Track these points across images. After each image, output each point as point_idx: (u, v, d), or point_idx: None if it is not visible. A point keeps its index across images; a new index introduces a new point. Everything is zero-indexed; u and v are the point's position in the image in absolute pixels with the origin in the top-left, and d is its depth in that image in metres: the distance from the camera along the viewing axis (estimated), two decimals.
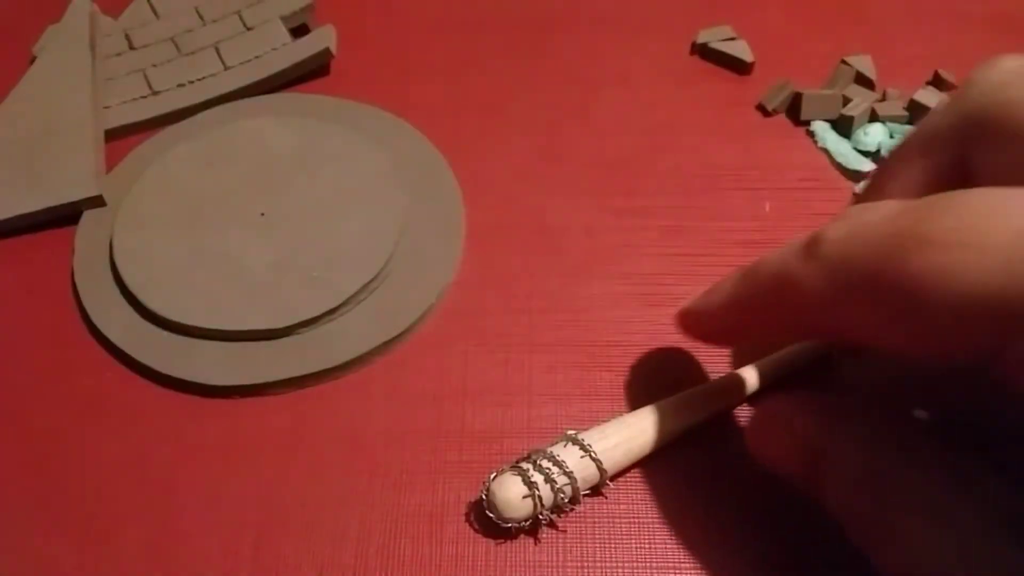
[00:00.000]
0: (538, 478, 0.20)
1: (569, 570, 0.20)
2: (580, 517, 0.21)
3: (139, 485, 0.22)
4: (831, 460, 0.17)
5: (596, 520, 0.21)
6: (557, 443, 0.21)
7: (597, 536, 0.21)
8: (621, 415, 0.21)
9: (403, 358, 0.24)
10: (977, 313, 0.13)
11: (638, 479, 0.22)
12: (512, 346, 0.24)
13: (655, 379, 0.23)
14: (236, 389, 0.24)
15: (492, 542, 0.21)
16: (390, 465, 0.22)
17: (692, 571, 0.20)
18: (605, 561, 0.20)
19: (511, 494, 0.20)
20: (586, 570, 0.20)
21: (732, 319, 0.19)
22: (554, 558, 0.20)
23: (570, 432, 0.21)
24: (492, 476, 0.20)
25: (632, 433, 0.21)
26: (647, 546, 0.21)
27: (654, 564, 0.20)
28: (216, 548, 0.21)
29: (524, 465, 0.20)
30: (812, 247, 0.15)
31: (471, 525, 0.21)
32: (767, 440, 0.19)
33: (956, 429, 0.17)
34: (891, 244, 0.14)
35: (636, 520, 0.21)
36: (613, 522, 0.21)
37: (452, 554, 0.21)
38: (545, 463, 0.20)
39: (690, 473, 0.22)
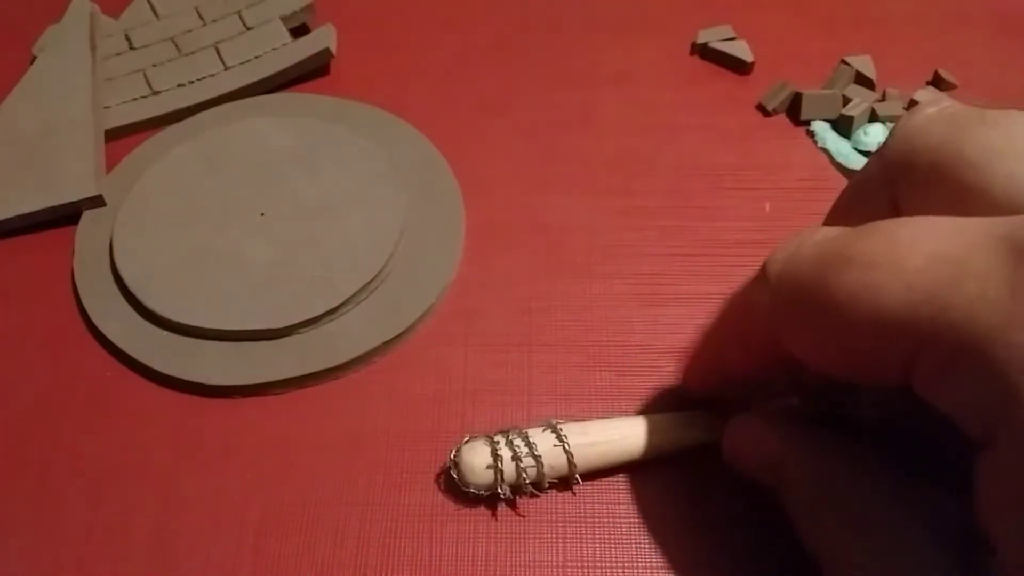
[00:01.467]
0: (506, 453, 0.20)
1: (569, 570, 0.20)
2: (581, 517, 0.21)
3: (139, 485, 0.22)
4: (788, 476, 0.18)
5: (596, 520, 0.21)
6: (536, 427, 0.21)
7: (597, 536, 0.21)
8: (614, 416, 0.22)
9: (403, 358, 0.24)
10: (892, 330, 0.14)
11: (638, 479, 0.22)
12: (512, 346, 0.24)
13: (655, 380, 0.24)
14: (236, 389, 0.24)
15: (492, 542, 0.21)
16: (390, 465, 0.22)
17: (692, 571, 0.20)
18: (605, 561, 0.20)
19: (476, 460, 0.20)
20: (586, 570, 0.20)
21: (715, 355, 0.20)
22: (554, 558, 0.20)
23: (553, 420, 0.21)
24: (465, 440, 0.21)
25: (612, 436, 0.21)
26: (647, 546, 0.21)
27: (654, 564, 0.20)
28: (216, 548, 0.21)
29: (498, 438, 0.21)
30: (763, 270, 0.16)
31: (438, 485, 0.22)
32: (740, 451, 0.20)
33: (907, 439, 0.18)
34: (820, 263, 0.15)
35: (636, 520, 0.21)
36: (613, 522, 0.21)
37: (452, 554, 0.21)
38: (518, 442, 0.20)
39: (690, 473, 0.22)
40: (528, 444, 0.20)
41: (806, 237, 0.16)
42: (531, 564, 0.20)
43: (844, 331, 0.14)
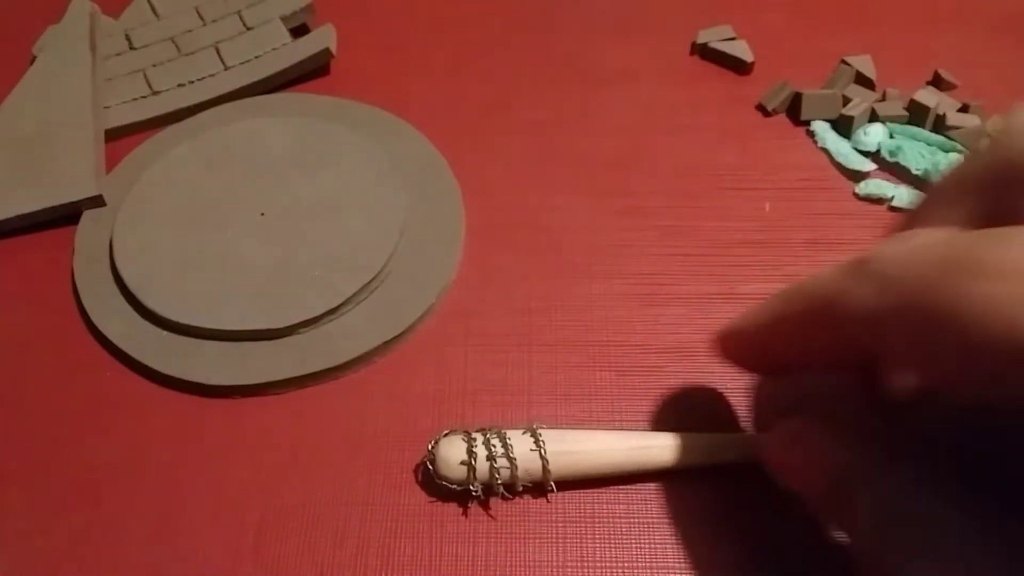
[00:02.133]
0: (481, 452, 0.20)
1: (569, 570, 0.20)
2: (580, 517, 0.21)
3: (140, 485, 0.22)
4: (858, 492, 0.17)
5: (596, 520, 0.21)
6: (517, 429, 0.21)
7: (597, 536, 0.21)
8: (600, 429, 0.22)
9: (403, 358, 0.24)
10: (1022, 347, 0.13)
11: (638, 479, 0.22)
12: (512, 346, 0.24)
13: (656, 381, 0.24)
14: (236, 389, 0.24)
15: (492, 542, 0.21)
16: (390, 465, 0.22)
17: (691, 570, 0.20)
18: (605, 561, 0.20)
19: (450, 454, 0.20)
20: (586, 570, 0.20)
21: (774, 339, 0.19)
22: (554, 558, 0.20)
23: (535, 424, 0.21)
24: (444, 433, 0.21)
25: (591, 447, 0.21)
26: (647, 546, 0.21)
27: (654, 564, 0.20)
28: (217, 547, 0.21)
29: (476, 435, 0.21)
30: (863, 264, 0.16)
31: (415, 475, 0.22)
32: (790, 459, 0.19)
33: (970, 457, 0.17)
34: (945, 266, 0.14)
35: (636, 520, 0.21)
36: (613, 522, 0.21)
37: (452, 554, 0.21)
38: (495, 441, 0.21)
39: (689, 474, 0.22)
40: (505, 445, 0.20)
41: (918, 238, 0.15)
42: (531, 564, 0.20)
43: (970, 344, 0.13)
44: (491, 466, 0.20)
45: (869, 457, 0.17)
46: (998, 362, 0.13)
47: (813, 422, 0.18)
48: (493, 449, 0.20)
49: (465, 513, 0.21)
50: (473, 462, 0.20)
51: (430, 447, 0.21)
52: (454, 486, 0.21)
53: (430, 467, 0.21)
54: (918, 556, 0.15)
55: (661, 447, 0.21)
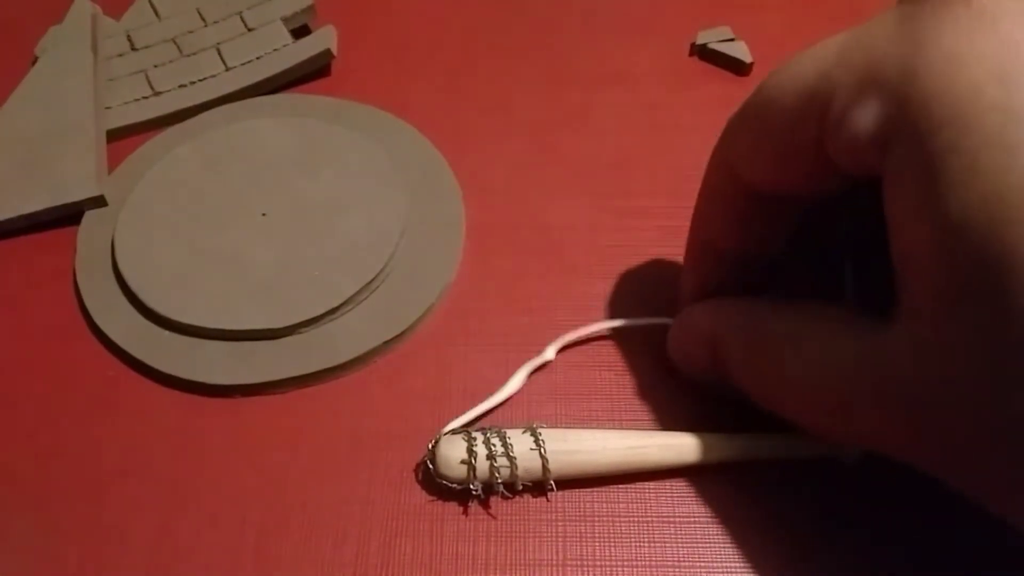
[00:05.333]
0: (481, 451, 0.20)
1: (569, 569, 0.20)
2: (580, 516, 0.21)
3: (141, 485, 0.22)
4: (723, 343, 0.20)
5: (596, 519, 0.21)
6: (517, 428, 0.21)
7: (597, 535, 0.21)
8: (602, 428, 0.22)
9: (403, 358, 0.25)
10: (807, 95, 0.16)
11: (638, 479, 0.22)
12: (512, 346, 0.25)
13: (656, 377, 0.24)
14: (238, 388, 0.24)
15: (492, 541, 0.21)
16: (390, 465, 0.22)
17: (691, 570, 0.20)
18: (605, 560, 0.20)
19: (451, 454, 0.21)
20: (586, 569, 0.20)
21: (696, 233, 0.22)
22: (554, 557, 0.21)
23: (535, 424, 0.21)
24: (445, 431, 0.21)
25: (590, 447, 0.21)
26: (647, 544, 0.21)
27: (654, 563, 0.20)
28: (218, 547, 0.21)
29: (476, 434, 0.21)
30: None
31: (415, 474, 0.22)
32: (680, 343, 0.22)
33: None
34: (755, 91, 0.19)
35: (636, 519, 0.21)
36: (613, 521, 0.21)
37: (452, 552, 0.21)
38: (495, 441, 0.21)
39: (689, 471, 0.22)
40: (505, 444, 0.21)
41: None
42: (531, 563, 0.20)
43: (770, 120, 0.17)
44: (491, 465, 0.20)
45: (730, 313, 0.20)
46: (796, 114, 0.17)
47: (694, 307, 0.22)
48: (493, 448, 0.20)
49: (465, 512, 0.21)
50: (473, 461, 0.20)
51: (430, 446, 0.21)
52: (454, 485, 0.21)
53: (430, 466, 0.21)
54: (784, 359, 0.18)
55: (660, 446, 0.21)
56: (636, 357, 0.24)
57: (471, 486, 0.21)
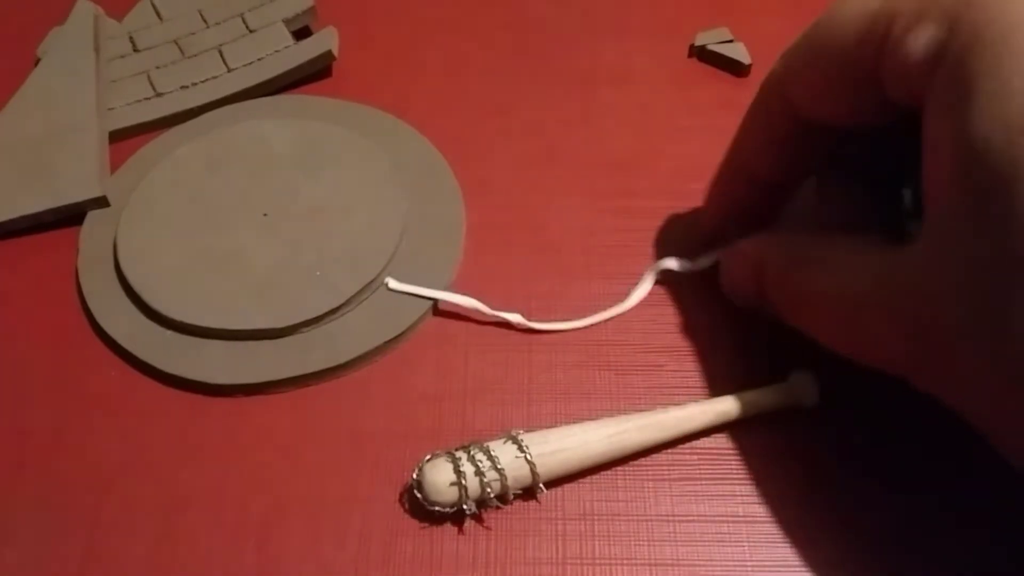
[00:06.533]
0: (468, 469, 0.20)
1: (569, 568, 0.20)
2: (580, 514, 0.21)
3: (142, 484, 0.22)
4: (767, 267, 0.21)
5: (596, 518, 0.21)
6: (497, 439, 0.21)
7: (597, 533, 0.21)
8: (575, 423, 0.22)
9: (404, 358, 0.25)
10: (867, 20, 0.17)
11: (638, 478, 0.22)
12: (512, 346, 0.25)
13: (656, 375, 0.24)
14: (239, 388, 0.24)
15: (492, 539, 0.21)
16: (391, 464, 0.22)
17: (690, 569, 0.20)
18: (605, 559, 0.21)
19: (439, 478, 0.20)
20: (586, 568, 0.20)
21: (734, 159, 0.23)
22: (553, 556, 0.21)
23: (513, 432, 0.21)
24: (427, 458, 0.21)
25: (573, 443, 0.21)
26: (647, 544, 0.21)
27: (654, 563, 0.20)
28: (219, 547, 0.21)
29: (459, 454, 0.21)
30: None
31: (402, 506, 0.21)
32: (730, 272, 0.23)
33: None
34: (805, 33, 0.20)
35: (635, 518, 0.21)
36: (613, 520, 0.21)
37: (452, 551, 0.21)
38: (480, 456, 0.20)
39: (689, 470, 0.22)
40: (490, 457, 0.20)
41: None
42: (531, 561, 0.21)
43: (832, 42, 0.18)
44: (481, 481, 0.20)
45: (773, 240, 0.22)
46: (855, 43, 0.18)
47: (744, 239, 0.23)
48: (480, 464, 0.20)
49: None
50: (464, 481, 0.20)
51: (415, 475, 0.21)
52: (447, 509, 0.20)
53: (418, 495, 0.20)
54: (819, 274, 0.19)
55: (639, 427, 0.21)
56: (636, 357, 0.24)
57: (464, 506, 0.20)
